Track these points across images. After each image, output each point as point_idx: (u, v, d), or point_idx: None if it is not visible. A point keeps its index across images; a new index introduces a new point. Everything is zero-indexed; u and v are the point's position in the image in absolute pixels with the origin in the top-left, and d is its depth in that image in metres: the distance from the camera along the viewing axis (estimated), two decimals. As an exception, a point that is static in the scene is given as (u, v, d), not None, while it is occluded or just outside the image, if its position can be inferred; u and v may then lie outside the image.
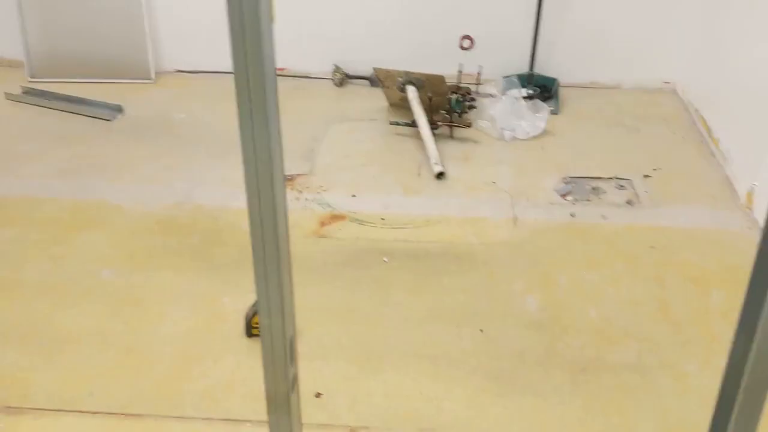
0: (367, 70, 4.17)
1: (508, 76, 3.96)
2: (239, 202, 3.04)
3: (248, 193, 1.03)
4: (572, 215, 3.00)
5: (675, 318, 2.47)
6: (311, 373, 2.24)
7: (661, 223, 2.95)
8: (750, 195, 2.95)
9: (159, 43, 4.26)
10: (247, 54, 0.93)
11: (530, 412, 2.12)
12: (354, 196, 3.18)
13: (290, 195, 3.17)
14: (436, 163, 3.30)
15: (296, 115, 3.76)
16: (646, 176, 3.26)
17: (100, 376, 2.23)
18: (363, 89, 4.22)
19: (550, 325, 2.43)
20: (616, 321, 2.46)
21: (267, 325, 1.12)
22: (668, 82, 4.04)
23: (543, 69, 3.99)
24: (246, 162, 1.01)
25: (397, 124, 3.68)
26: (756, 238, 2.80)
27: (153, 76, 4.26)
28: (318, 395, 2.16)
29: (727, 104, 3.35)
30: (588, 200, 3.10)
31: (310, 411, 2.10)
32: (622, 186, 3.19)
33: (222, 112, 3.92)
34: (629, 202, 3.07)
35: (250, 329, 2.35)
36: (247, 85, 0.96)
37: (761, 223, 2.84)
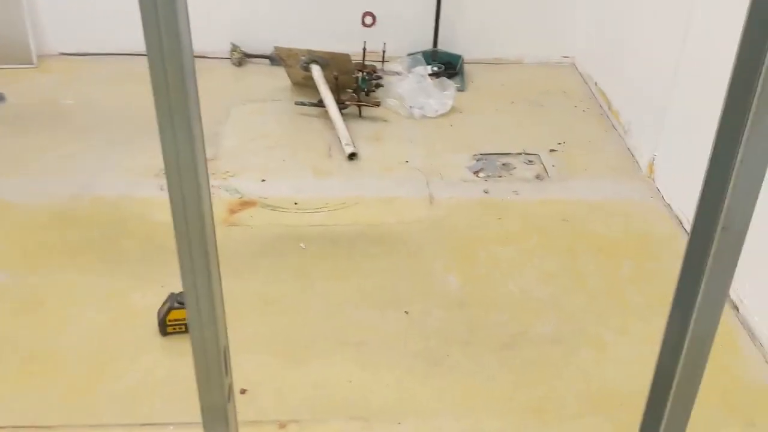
0: (266, 49, 4.04)
1: (412, 54, 3.93)
2: (144, 190, 2.95)
3: (170, 186, 0.93)
4: (485, 192, 3.02)
5: (590, 288, 2.53)
6: (234, 369, 2.14)
7: (570, 196, 3.02)
8: (651, 165, 3.06)
9: (40, 25, 3.96)
10: (162, 32, 0.83)
11: (458, 390, 2.12)
12: (264, 180, 3.08)
13: (196, 182, 3.03)
14: (347, 144, 3.24)
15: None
16: (552, 150, 3.32)
17: (3, 387, 2.05)
18: (263, 68, 4.09)
19: (473, 303, 2.44)
20: (535, 294, 2.50)
21: (199, 338, 1.04)
22: (567, 57, 4.14)
23: (447, 46, 3.99)
24: (166, 151, 0.91)
25: (303, 104, 3.58)
26: (658, 206, 2.93)
27: (35, 60, 3.96)
28: (243, 391, 2.08)
29: (624, 77, 3.46)
30: (499, 176, 3.13)
31: (237, 408, 2.02)
32: (530, 161, 3.24)
33: (116, 96, 3.70)
34: (538, 177, 3.13)
35: (165, 327, 2.23)
36: (163, 67, 0.86)
37: (663, 191, 2.96)
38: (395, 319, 2.36)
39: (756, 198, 1.00)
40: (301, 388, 2.11)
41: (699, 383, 1.14)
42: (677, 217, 2.82)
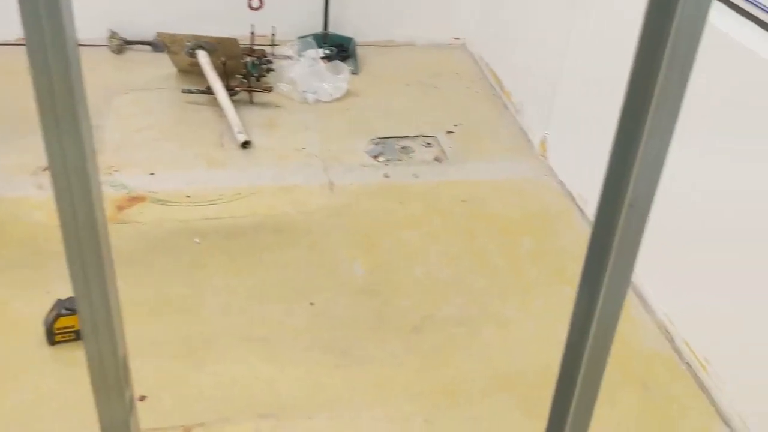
0: (148, 35, 3.84)
1: (303, 37, 3.83)
2: (19, 190, 2.73)
3: (56, 185, 0.82)
4: (386, 176, 2.99)
5: (491, 267, 2.56)
6: (132, 376, 2.02)
7: (468, 178, 3.04)
8: (543, 144, 3.13)
9: None
10: (43, 18, 0.74)
11: (368, 379, 2.09)
12: (152, 174, 2.92)
13: (79, 178, 2.84)
14: (239, 132, 3.12)
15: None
16: (449, 132, 3.33)
17: None
18: (146, 56, 3.88)
19: (379, 289, 2.41)
20: (440, 277, 2.49)
21: (95, 349, 0.95)
22: (458, 38, 4.16)
23: (338, 28, 3.92)
24: (50, 148, 0.80)
25: (190, 91, 3.42)
26: (552, 184, 3.00)
27: None
28: (142, 398, 1.96)
29: (515, 58, 3.51)
30: (399, 160, 3.10)
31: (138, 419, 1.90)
32: (428, 143, 3.24)
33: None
34: (437, 159, 3.13)
35: (53, 336, 2.07)
36: (45, 56, 0.76)
37: (556, 169, 3.03)
38: (300, 312, 2.30)
39: (659, 175, 1.00)
40: (205, 390, 2.02)
41: (607, 356, 1.14)
42: (570, 194, 2.89)
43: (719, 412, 2.06)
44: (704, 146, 2.08)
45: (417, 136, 3.27)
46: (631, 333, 2.33)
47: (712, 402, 2.09)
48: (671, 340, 2.28)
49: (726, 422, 2.04)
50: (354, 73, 3.71)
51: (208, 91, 3.40)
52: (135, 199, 2.76)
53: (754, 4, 1.94)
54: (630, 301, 2.43)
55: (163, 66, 3.70)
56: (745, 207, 1.95)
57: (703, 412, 2.08)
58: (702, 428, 2.04)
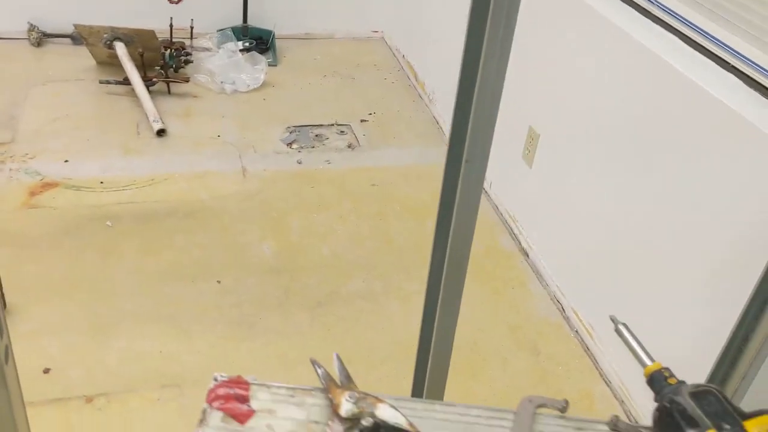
0: (67, 28, 3.83)
1: (222, 29, 3.89)
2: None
3: None
4: (299, 162, 3.07)
5: (397, 247, 2.66)
6: (37, 350, 2.07)
7: (380, 163, 3.14)
8: (453, 130, 3.25)
9: None
10: None
11: (272, 351, 2.17)
12: (67, 161, 2.94)
13: (-10, 166, 2.84)
14: (155, 121, 3.16)
15: (-13, 79, 3.36)
16: (363, 121, 3.44)
17: None
18: (65, 48, 3.87)
19: (287, 268, 2.49)
20: (347, 256, 2.59)
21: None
22: (376, 31, 4.27)
23: (257, 21, 3.98)
24: None
25: (108, 82, 3.44)
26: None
27: None
28: (46, 371, 2.00)
29: (427, 49, 3.64)
30: (313, 147, 3.19)
31: (39, 388, 1.95)
32: (342, 131, 3.33)
33: None
34: (350, 146, 3.23)
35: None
36: None
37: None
38: (208, 290, 2.37)
39: (490, 135, 1.13)
40: (110, 364, 2.07)
41: (460, 296, 1.26)
42: (476, 177, 3.02)
43: (601, 373, 2.22)
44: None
45: (332, 125, 3.37)
46: (526, 304, 2.47)
47: (596, 364, 2.24)
48: (562, 310, 2.42)
49: (607, 382, 2.19)
50: (272, 65, 3.79)
51: (126, 82, 3.42)
52: (48, 185, 2.78)
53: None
54: (527, 274, 2.58)
55: (83, 58, 3.70)
56: (626, 196, 2.10)
57: (586, 373, 2.23)
58: (585, 387, 2.19)
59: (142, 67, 3.44)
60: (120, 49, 3.48)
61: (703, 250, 1.74)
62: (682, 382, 0.73)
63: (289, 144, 3.19)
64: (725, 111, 1.64)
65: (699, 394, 0.71)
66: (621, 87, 2.05)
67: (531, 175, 2.56)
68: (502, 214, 2.82)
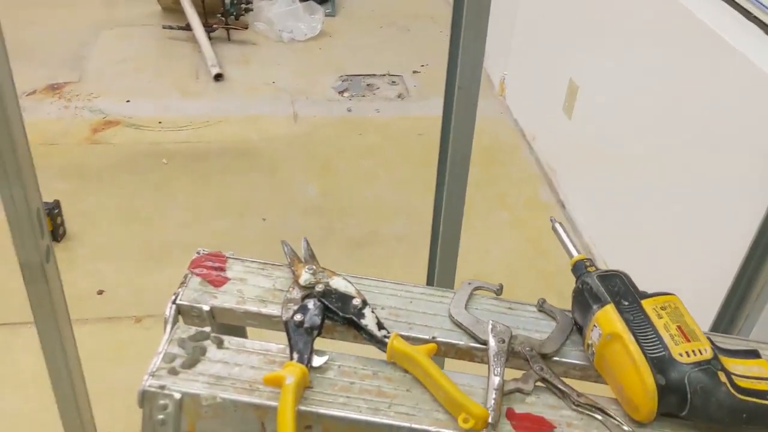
0: (137, -25, 3.97)
1: (283, -21, 3.96)
2: None
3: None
4: (349, 110, 3.14)
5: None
6: (93, 273, 2.22)
7: (428, 113, 3.18)
8: (502, 84, 3.26)
9: None
10: None
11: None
12: (128, 101, 3.09)
13: (58, 104, 3.01)
14: (213, 65, 3.28)
15: (61, 23, 3.53)
16: (415, 72, 3.47)
17: None
18: (134, -6, 4.03)
19: (330, 209, 2.58)
20: (389, 200, 2.66)
21: (8, 196, 1.11)
22: (435, -16, 4.26)
23: (317, -28, 4.03)
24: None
25: (171, 27, 3.58)
26: (507, 121, 3.14)
27: None
28: (100, 292, 2.16)
29: (485, 2, 3.62)
30: (363, 96, 3.25)
31: (93, 307, 2.10)
32: (394, 82, 3.38)
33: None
34: (400, 96, 3.28)
35: None
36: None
37: (512, 108, 3.17)
38: (253, 225, 2.48)
39: (480, 64, 1.20)
40: (157, 289, 2.20)
41: (462, 212, 1.34)
42: (522, 131, 3.04)
43: (631, 324, 2.23)
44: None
45: (384, 75, 3.41)
46: (559, 253, 2.49)
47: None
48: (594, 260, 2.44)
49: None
50: (331, 15, 3.84)
51: (188, 27, 3.55)
52: (110, 123, 2.94)
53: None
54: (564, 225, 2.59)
55: (149, 4, 3.85)
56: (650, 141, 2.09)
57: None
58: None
59: (204, 13, 3.55)
60: (183, -5, 3.60)
61: (719, 196, 1.74)
62: (597, 269, 0.80)
63: (341, 92, 3.25)
64: (748, 64, 1.62)
65: (606, 276, 0.78)
66: (655, 42, 2.03)
67: (570, 127, 2.56)
68: (543, 167, 2.83)
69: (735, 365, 0.72)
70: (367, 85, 3.33)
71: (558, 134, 2.68)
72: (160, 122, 2.96)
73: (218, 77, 3.25)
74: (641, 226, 2.17)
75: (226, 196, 2.61)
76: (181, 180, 2.66)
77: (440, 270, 1.43)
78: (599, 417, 0.72)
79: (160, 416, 0.70)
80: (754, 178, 1.66)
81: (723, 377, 0.69)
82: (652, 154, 2.09)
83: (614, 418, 0.71)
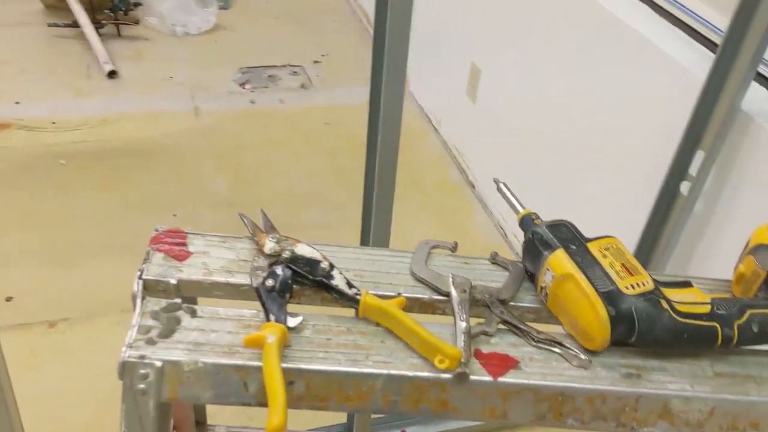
0: (13, -29, 3.77)
1: (172, -27, 3.86)
2: None
3: None
4: (252, 102, 3.12)
5: (349, 182, 2.75)
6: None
7: (332, 102, 3.21)
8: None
9: None
10: None
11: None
12: (18, 103, 2.94)
13: (-62, 109, 2.84)
14: (105, 62, 3.17)
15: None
16: (316, 62, 3.49)
17: None
18: (11, -8, 3.82)
19: (241, 201, 2.56)
20: (302, 190, 2.67)
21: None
22: (327, -24, 4.29)
23: (207, -35, 3.96)
24: None
25: (57, 25, 3.42)
26: (412, 107, 3.22)
27: None
28: (9, 299, 2.06)
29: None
30: (266, 87, 3.24)
31: (2, 314, 2.01)
32: (295, 72, 3.38)
33: None
34: (303, 86, 3.29)
35: None
36: None
37: (416, 94, 3.25)
38: (163, 222, 2.40)
39: (406, 42, 1.25)
40: (70, 291, 2.13)
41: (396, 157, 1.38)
42: (427, 116, 3.12)
43: (542, 292, 2.36)
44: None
45: (284, 66, 3.41)
46: (473, 231, 2.59)
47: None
48: (504, 236, 2.55)
49: (547, 299, 2.33)
50: (224, 8, 3.79)
51: (75, 24, 3.41)
52: (1, 126, 2.79)
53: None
54: (473, 204, 2.70)
55: (30, 2, 3.66)
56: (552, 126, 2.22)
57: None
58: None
59: (91, 9, 3.42)
60: (67, -9, 3.46)
61: (621, 163, 1.88)
62: (543, 222, 0.87)
63: (242, 84, 3.23)
64: (640, 40, 1.76)
65: (554, 225, 0.85)
66: (551, 23, 2.15)
67: (475, 110, 2.66)
68: (450, 150, 2.93)
69: (673, 294, 0.80)
70: (269, 76, 3.31)
71: (463, 118, 2.78)
72: (53, 123, 2.84)
73: (112, 74, 3.15)
74: (546, 202, 2.29)
75: (132, 193, 2.54)
76: (82, 180, 2.57)
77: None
78: (558, 350, 0.78)
79: (141, 386, 0.71)
80: (649, 148, 1.80)
81: (665, 304, 0.77)
82: (553, 132, 2.21)
83: (571, 350, 0.78)
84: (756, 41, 1.43)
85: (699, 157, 1.65)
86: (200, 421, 1.39)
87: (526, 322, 0.81)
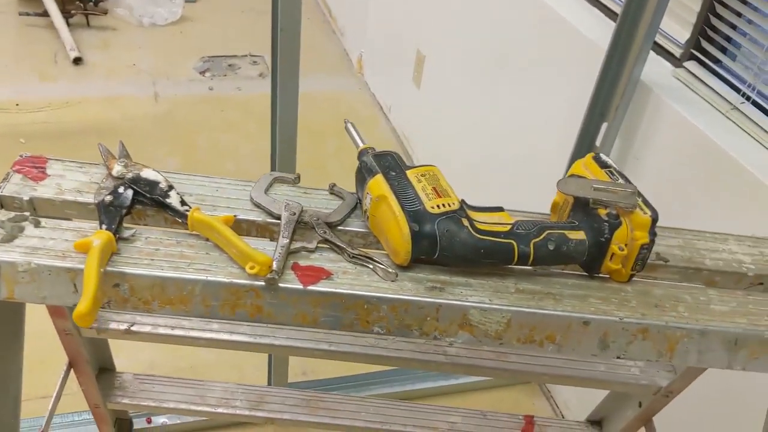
0: (-12, -38, 3.87)
1: (143, -34, 3.96)
2: None
3: None
4: (210, 89, 3.21)
5: (300, 163, 2.83)
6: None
7: (291, 91, 3.29)
8: (360, 61, 3.43)
9: None
10: None
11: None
12: (-18, 86, 3.04)
13: None
14: (72, 49, 3.26)
15: None
16: (278, 53, 3.57)
17: None
18: (-15, -17, 3.92)
19: (191, 181, 2.64)
20: (251, 171, 2.74)
21: None
22: (296, -28, 4.38)
23: (178, -41, 4.06)
24: None
25: (27, 14, 3.52)
26: (365, 96, 3.30)
27: None
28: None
29: (341, -14, 3.79)
30: (225, 75, 3.33)
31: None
32: (255, 62, 3.47)
33: None
34: (261, 75, 3.37)
35: None
36: None
37: (369, 83, 3.34)
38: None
39: (298, 4, 1.34)
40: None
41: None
42: (378, 103, 3.21)
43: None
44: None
45: (245, 56, 3.50)
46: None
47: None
48: (446, 217, 2.63)
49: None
50: (191, 1, 3.89)
51: (45, 14, 3.50)
52: (-38, 107, 2.88)
53: None
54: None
55: (2, -8, 3.76)
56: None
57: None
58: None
59: (62, 0, 3.51)
60: (38, -19, 3.55)
61: (542, 138, 1.96)
62: None
63: (202, 72, 3.32)
64: (575, 32, 1.84)
65: (380, 155, 0.92)
66: (490, 13, 2.24)
67: (419, 95, 2.75)
68: (399, 136, 3.01)
69: (479, 216, 0.88)
70: (229, 65, 3.40)
71: (409, 104, 2.87)
72: (17, 105, 2.93)
73: (77, 61, 3.24)
74: (488, 184, 2.38)
75: (86, 172, 2.62)
76: (38, 159, 2.65)
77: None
78: (370, 265, 0.86)
79: (-21, 284, 0.78)
80: (571, 125, 1.88)
81: (466, 222, 0.85)
82: (486, 113, 2.30)
83: (381, 264, 0.86)
84: (652, 10, 1.51)
85: (604, 129, 1.73)
86: (107, 368, 1.46)
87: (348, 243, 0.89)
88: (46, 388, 1.24)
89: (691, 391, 1.27)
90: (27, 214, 0.86)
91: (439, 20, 2.57)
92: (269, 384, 1.87)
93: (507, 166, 2.21)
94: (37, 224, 0.84)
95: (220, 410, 1.41)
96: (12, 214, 0.86)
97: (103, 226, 0.82)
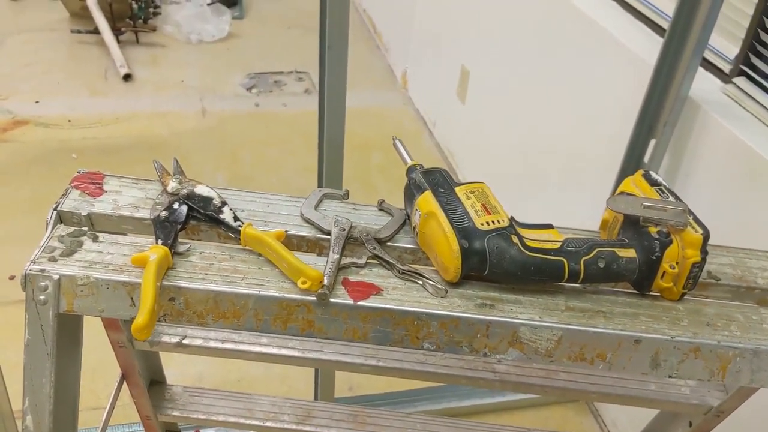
0: (44, -18, 4.01)
1: (191, -17, 4.06)
2: None
3: None
4: (256, 105, 3.26)
5: (345, 176, 2.86)
6: (4, 259, 2.26)
7: (335, 106, 3.33)
8: (404, 77, 3.45)
9: None
10: None
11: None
12: (37, 102, 3.13)
13: (-36, 106, 3.04)
14: (121, 66, 3.35)
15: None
16: (322, 68, 3.62)
17: None
18: (42, 3, 4.05)
19: (237, 195, 2.68)
20: (295, 184, 2.79)
21: None
22: (340, -12, 4.43)
23: (225, -24, 4.15)
24: None
25: (79, 32, 3.63)
26: (409, 111, 3.32)
27: None
28: (12, 277, 2.21)
29: (384, 2, 3.82)
30: (271, 91, 3.38)
31: (5, 291, 2.15)
32: (301, 78, 3.52)
33: None
34: (307, 91, 3.41)
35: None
36: None
37: (414, 98, 3.35)
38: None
39: (346, 22, 1.35)
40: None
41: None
42: (423, 118, 3.22)
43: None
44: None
45: (291, 72, 3.55)
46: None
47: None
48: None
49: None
50: (238, 18, 3.96)
51: (96, 31, 3.60)
52: (19, 123, 2.97)
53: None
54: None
55: (57, 11, 3.88)
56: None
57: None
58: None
59: (112, 18, 3.61)
60: (90, 1, 3.66)
61: (591, 154, 1.94)
62: None
63: (249, 89, 3.37)
64: (621, 47, 1.83)
65: (429, 172, 0.93)
66: (535, 26, 2.23)
67: (464, 110, 2.75)
68: (443, 150, 3.02)
69: (529, 233, 0.88)
70: (275, 81, 3.45)
71: (454, 119, 2.87)
72: (69, 120, 3.01)
73: (127, 77, 3.32)
74: (534, 199, 2.36)
75: (136, 186, 2.68)
76: (90, 173, 2.72)
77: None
78: (419, 282, 0.87)
79: (41, 296, 0.81)
80: (619, 141, 1.86)
81: (515, 240, 0.85)
82: (533, 128, 2.29)
83: (430, 281, 0.86)
84: (700, 26, 1.49)
85: (652, 145, 1.71)
86: (158, 381, 1.49)
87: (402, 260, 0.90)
88: (98, 400, 1.27)
89: (742, 411, 1.24)
90: (85, 229, 0.89)
91: (483, 35, 2.57)
92: (316, 398, 1.88)
93: (553, 182, 2.20)
94: (95, 239, 0.87)
95: (268, 424, 1.42)
96: (71, 229, 0.89)
97: (159, 241, 0.84)
